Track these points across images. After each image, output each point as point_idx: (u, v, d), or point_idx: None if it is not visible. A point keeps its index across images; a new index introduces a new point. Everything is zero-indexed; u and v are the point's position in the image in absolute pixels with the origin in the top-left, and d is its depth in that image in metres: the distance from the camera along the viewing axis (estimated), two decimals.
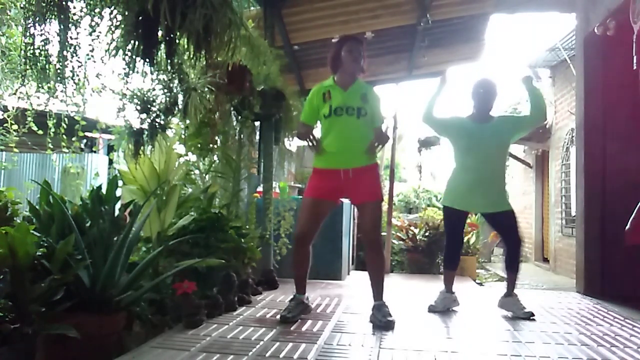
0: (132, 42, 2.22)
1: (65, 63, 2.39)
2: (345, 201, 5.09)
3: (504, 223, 3.40)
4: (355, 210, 3.16)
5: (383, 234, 7.09)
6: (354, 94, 2.99)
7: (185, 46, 2.42)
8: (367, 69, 3.11)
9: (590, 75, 4.43)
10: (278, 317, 2.94)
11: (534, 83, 3.48)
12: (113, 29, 2.23)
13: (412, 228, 7.38)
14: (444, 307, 3.41)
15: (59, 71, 2.40)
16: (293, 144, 5.31)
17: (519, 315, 3.22)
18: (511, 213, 3.39)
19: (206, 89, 3.09)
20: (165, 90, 3.01)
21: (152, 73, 2.79)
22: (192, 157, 4.07)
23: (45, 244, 2.32)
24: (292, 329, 2.74)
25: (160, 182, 3.31)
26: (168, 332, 2.62)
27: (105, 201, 2.72)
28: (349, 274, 5.91)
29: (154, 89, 2.99)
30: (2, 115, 3.73)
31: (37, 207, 2.62)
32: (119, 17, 2.21)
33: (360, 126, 2.98)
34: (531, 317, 3.18)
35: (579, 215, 4.55)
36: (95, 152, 7.26)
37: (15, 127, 3.77)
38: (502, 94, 3.58)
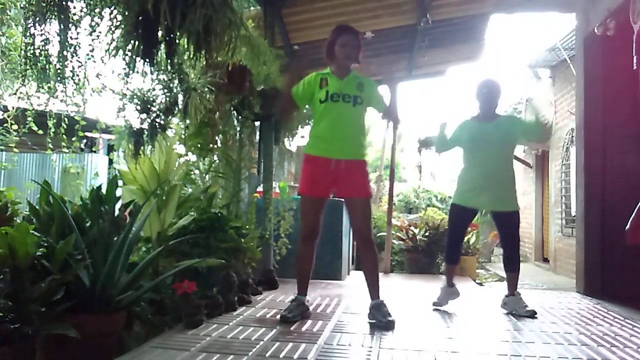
0: (132, 42, 2.21)
1: (65, 63, 2.39)
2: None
3: (508, 223, 3.42)
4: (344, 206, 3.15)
5: (383, 233, 7.13)
6: (350, 83, 3.00)
7: (185, 46, 2.41)
8: (362, 60, 3.09)
9: (590, 75, 4.43)
10: (278, 317, 2.93)
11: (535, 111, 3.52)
12: (113, 29, 2.23)
13: (412, 228, 7.38)
14: (448, 301, 3.46)
15: (59, 71, 2.40)
16: (293, 144, 5.31)
17: (521, 313, 3.23)
18: (517, 214, 3.41)
19: (206, 89, 3.08)
20: (165, 90, 3.00)
21: (152, 73, 2.79)
22: (192, 157, 4.07)
23: (45, 244, 2.32)
24: (292, 329, 2.73)
25: (160, 182, 3.31)
26: (168, 332, 2.62)
27: (105, 201, 2.72)
28: (349, 274, 5.90)
29: (154, 89, 2.99)
30: (2, 115, 3.73)
31: (37, 207, 2.62)
32: (119, 17, 2.21)
33: (356, 114, 2.99)
34: (534, 316, 3.18)
35: (579, 215, 4.55)
36: (95, 152, 7.26)
37: (15, 127, 3.77)
38: (505, 93, 3.61)
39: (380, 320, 2.83)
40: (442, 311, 3.36)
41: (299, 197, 3.13)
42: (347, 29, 3.04)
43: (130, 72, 2.42)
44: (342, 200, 3.31)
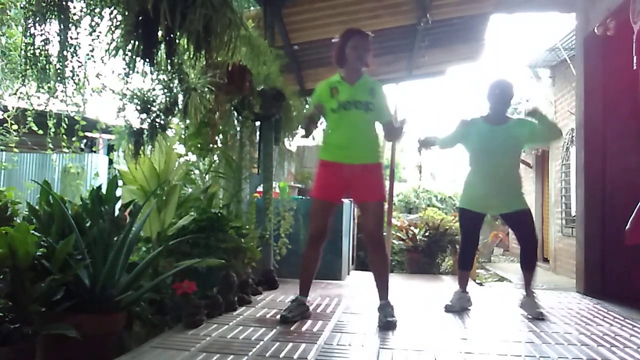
0: (132, 42, 2.22)
1: (65, 63, 2.40)
2: (345, 201, 5.09)
3: (519, 222, 3.40)
4: (356, 209, 3.16)
5: (383, 234, 7.13)
6: (361, 89, 2.98)
7: (185, 46, 2.42)
8: (371, 63, 3.07)
9: (590, 75, 4.43)
10: (278, 317, 2.93)
11: (539, 111, 3.37)
12: (113, 29, 2.23)
13: (412, 228, 7.39)
14: (460, 307, 3.41)
15: (59, 71, 2.40)
16: (293, 144, 5.32)
17: (531, 315, 3.23)
18: (527, 212, 3.39)
19: (206, 89, 3.08)
20: (165, 90, 3.00)
21: (152, 73, 2.79)
22: (192, 157, 4.08)
23: (45, 244, 2.32)
24: (292, 329, 2.73)
25: (160, 182, 3.31)
26: (168, 332, 2.62)
27: (105, 201, 2.72)
28: (349, 274, 5.91)
29: (154, 89, 2.99)
30: (2, 115, 3.74)
31: (37, 207, 2.62)
32: (119, 17, 2.21)
33: (368, 121, 2.99)
34: (539, 318, 3.17)
35: (579, 215, 4.55)
36: (95, 152, 7.26)
37: (15, 127, 3.78)
38: (516, 94, 3.57)
39: (381, 320, 2.83)
40: (442, 311, 3.36)
41: (310, 199, 3.13)
42: (356, 31, 3.03)
43: (130, 72, 2.42)
44: (346, 201, 3.30)
